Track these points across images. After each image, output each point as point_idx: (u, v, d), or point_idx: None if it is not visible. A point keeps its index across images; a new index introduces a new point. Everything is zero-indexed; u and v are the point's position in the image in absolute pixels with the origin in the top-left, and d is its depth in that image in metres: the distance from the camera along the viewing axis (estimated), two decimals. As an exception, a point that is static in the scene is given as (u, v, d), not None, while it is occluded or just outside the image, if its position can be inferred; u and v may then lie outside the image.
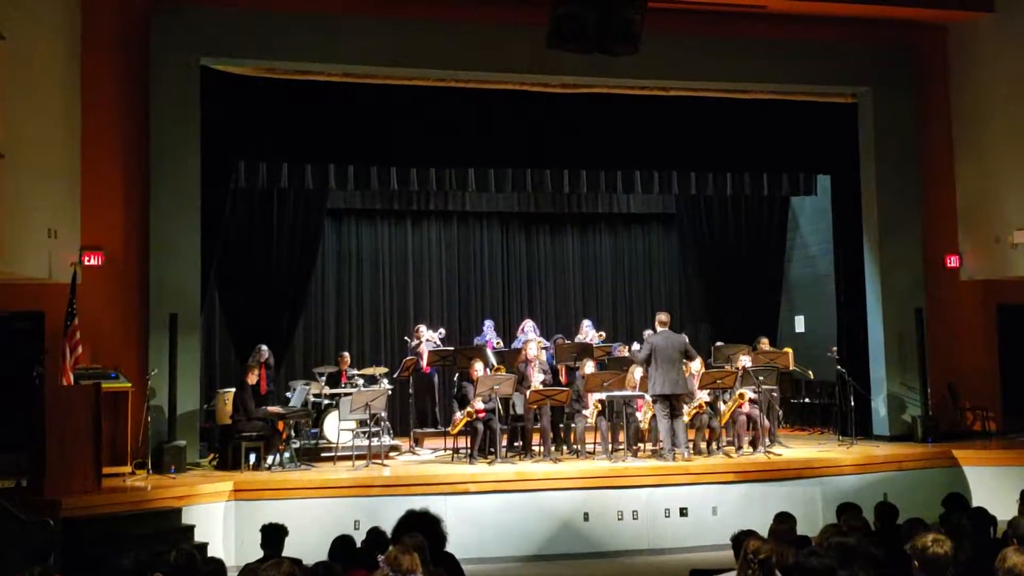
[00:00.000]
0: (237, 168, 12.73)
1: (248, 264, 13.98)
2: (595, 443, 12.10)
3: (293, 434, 11.69)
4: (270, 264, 14.10)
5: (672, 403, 11.23)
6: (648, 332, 14.54)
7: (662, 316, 11.78)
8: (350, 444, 11.99)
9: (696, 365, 12.04)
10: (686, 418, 11.74)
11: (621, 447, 11.82)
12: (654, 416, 11.75)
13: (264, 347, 12.90)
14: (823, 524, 6.94)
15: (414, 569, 4.56)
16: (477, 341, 14.15)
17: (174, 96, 11.73)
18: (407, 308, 15.97)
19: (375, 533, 6.61)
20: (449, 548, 6.44)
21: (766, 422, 12.00)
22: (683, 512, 10.73)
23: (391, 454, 12.19)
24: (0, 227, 9.48)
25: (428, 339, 13.71)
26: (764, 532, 6.03)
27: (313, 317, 15.39)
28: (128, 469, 10.81)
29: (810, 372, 13.72)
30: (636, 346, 13.14)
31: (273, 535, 6.68)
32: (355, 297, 15.82)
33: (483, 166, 13.86)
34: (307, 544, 7.40)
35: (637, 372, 11.77)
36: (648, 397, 11.68)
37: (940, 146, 13.93)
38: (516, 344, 13.96)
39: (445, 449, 12.50)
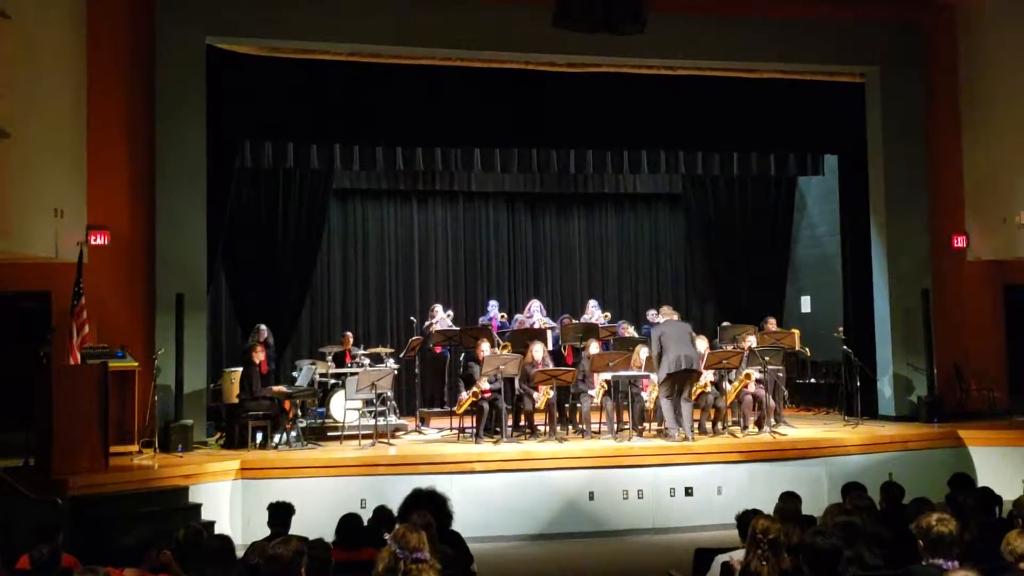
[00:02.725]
0: (243, 148, 12.74)
1: (254, 244, 14.01)
2: (600, 423, 12.10)
3: (299, 413, 11.70)
4: (276, 244, 14.13)
5: (681, 384, 11.20)
6: (652, 312, 14.57)
7: (666, 308, 11.87)
8: (356, 423, 12.00)
9: (702, 345, 12.04)
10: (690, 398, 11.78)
11: (626, 427, 11.82)
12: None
13: (263, 326, 12.88)
14: (828, 504, 6.95)
15: (421, 547, 4.57)
16: (482, 321, 14.16)
17: (180, 75, 11.70)
18: (412, 288, 15.99)
19: (382, 511, 6.64)
20: (455, 527, 6.48)
21: (772, 402, 12.00)
22: (688, 492, 10.76)
23: (397, 433, 12.21)
24: (6, 206, 9.49)
25: (440, 319, 13.73)
26: (769, 512, 6.03)
27: (319, 297, 15.42)
28: (135, 448, 10.85)
29: (807, 349, 13.70)
30: (645, 328, 13.09)
31: (280, 513, 6.70)
32: (361, 277, 15.83)
33: (489, 146, 13.85)
34: (314, 522, 7.41)
35: (643, 352, 11.77)
36: (653, 377, 11.69)
37: (948, 126, 13.86)
38: (513, 322, 13.98)
39: (451, 429, 12.53)
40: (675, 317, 11.76)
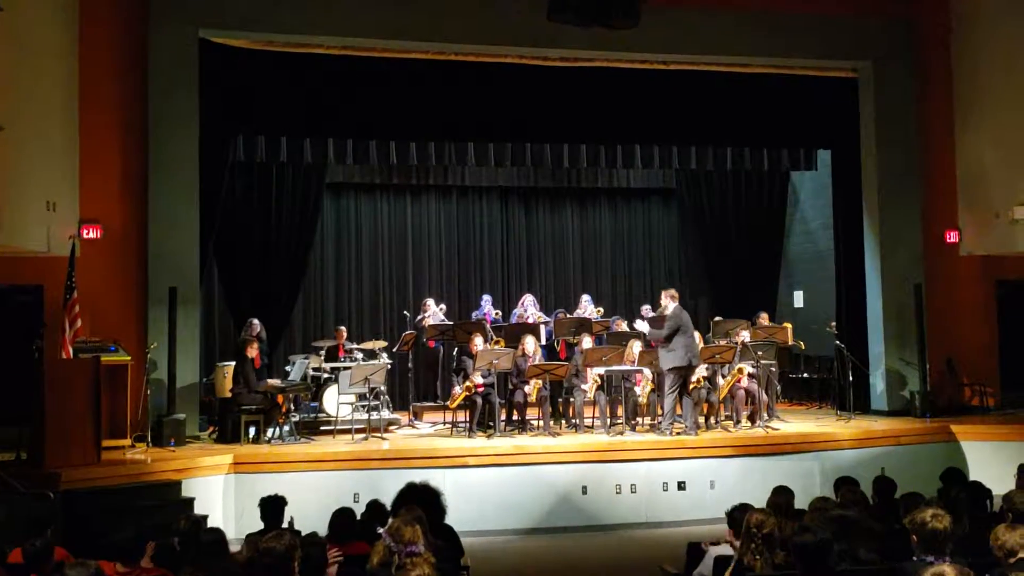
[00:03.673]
0: (236, 141, 12.71)
1: (247, 238, 13.99)
2: (594, 417, 12.12)
3: (293, 407, 11.71)
4: (269, 238, 14.11)
5: (685, 379, 11.25)
6: (646, 307, 14.55)
7: (674, 291, 11.82)
8: (349, 418, 12.01)
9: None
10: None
11: (619, 421, 11.83)
12: (653, 390, 11.81)
13: (256, 320, 12.87)
14: (819, 498, 6.95)
15: (416, 540, 4.59)
16: (475, 315, 14.16)
17: (173, 69, 11.67)
18: (406, 282, 15.97)
19: (375, 506, 6.64)
20: (448, 521, 6.48)
21: (764, 397, 12.03)
22: (681, 486, 10.77)
23: (390, 428, 12.21)
24: (-2, 200, 9.47)
25: (433, 313, 13.72)
26: (761, 506, 6.04)
27: (312, 291, 15.39)
28: (128, 442, 10.83)
29: (800, 343, 13.71)
30: (641, 324, 13.02)
31: (271, 507, 6.69)
32: (354, 271, 15.81)
33: (483, 140, 13.83)
34: (307, 517, 7.43)
35: (636, 347, 11.78)
36: (647, 372, 11.71)
37: (941, 121, 13.88)
38: (512, 318, 13.98)
39: (444, 423, 12.53)
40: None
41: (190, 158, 11.71)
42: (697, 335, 12.12)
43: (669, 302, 11.58)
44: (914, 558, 4.77)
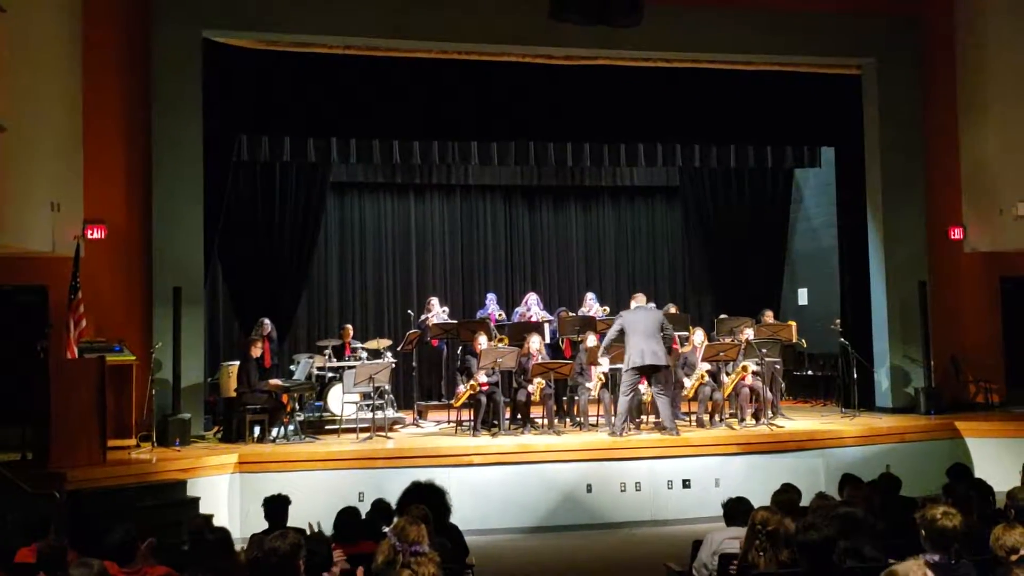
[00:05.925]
0: (239, 141, 12.72)
1: (251, 238, 14.01)
2: (598, 415, 12.12)
3: (297, 407, 11.71)
4: (273, 238, 14.13)
5: (649, 379, 11.18)
6: (651, 306, 14.56)
7: (638, 296, 11.80)
8: (354, 417, 12.01)
9: (699, 337, 12.11)
10: (688, 391, 11.81)
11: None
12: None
13: (267, 320, 12.89)
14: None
15: (421, 540, 4.59)
16: (480, 314, 14.16)
17: (176, 69, 11.68)
18: (410, 281, 15.97)
19: (380, 504, 6.64)
20: (452, 520, 6.49)
21: (769, 394, 12.01)
22: (686, 484, 10.77)
23: (395, 427, 12.21)
24: (2, 201, 9.48)
25: (437, 312, 13.73)
26: (766, 503, 6.04)
27: (316, 290, 15.40)
28: (133, 442, 10.84)
29: (804, 341, 13.69)
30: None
31: (276, 506, 6.70)
32: (358, 270, 15.81)
33: (486, 139, 13.84)
34: (312, 515, 7.41)
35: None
36: (605, 368, 11.69)
37: (945, 117, 13.85)
38: (514, 317, 13.98)
39: (448, 422, 12.53)
40: (643, 303, 11.72)
41: (194, 158, 11.72)
42: (701, 332, 12.17)
43: (631, 304, 11.53)
44: (920, 555, 4.76)
